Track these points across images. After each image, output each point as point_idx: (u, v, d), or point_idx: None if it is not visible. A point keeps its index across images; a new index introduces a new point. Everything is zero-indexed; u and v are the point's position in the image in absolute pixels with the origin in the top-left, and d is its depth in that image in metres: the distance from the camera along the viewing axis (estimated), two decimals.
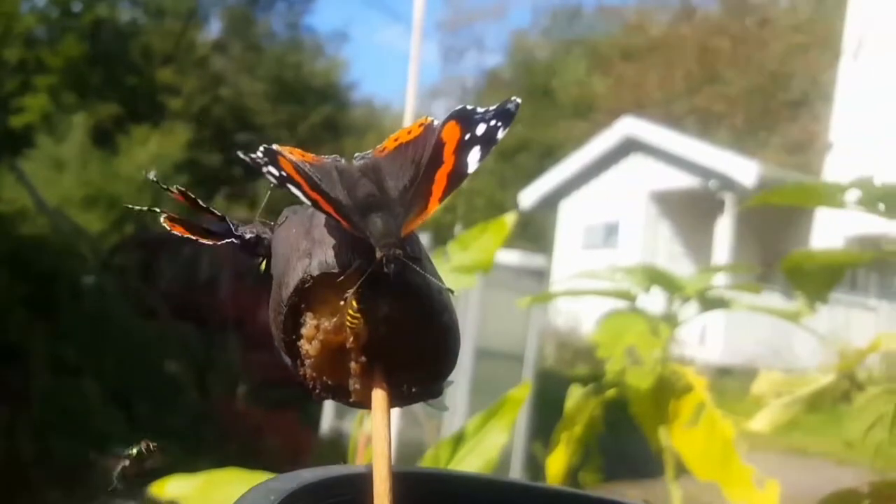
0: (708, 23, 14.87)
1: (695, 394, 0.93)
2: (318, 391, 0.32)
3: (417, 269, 0.31)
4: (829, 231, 7.09)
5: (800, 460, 4.04)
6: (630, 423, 0.98)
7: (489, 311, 3.12)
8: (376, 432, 0.31)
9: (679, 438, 0.93)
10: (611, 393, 0.97)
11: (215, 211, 0.36)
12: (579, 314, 6.88)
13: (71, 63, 9.35)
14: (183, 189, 0.36)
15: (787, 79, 13.22)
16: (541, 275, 3.58)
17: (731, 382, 4.82)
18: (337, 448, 3.24)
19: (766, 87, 13.41)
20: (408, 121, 0.74)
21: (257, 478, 0.69)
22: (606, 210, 9.52)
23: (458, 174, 0.32)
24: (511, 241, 0.82)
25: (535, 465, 2.83)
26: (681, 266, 6.62)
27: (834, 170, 8.01)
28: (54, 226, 5.52)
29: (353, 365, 0.32)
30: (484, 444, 0.69)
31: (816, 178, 8.20)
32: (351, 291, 0.30)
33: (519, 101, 0.33)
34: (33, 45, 9.26)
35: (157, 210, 0.36)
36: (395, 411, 0.33)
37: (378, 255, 0.30)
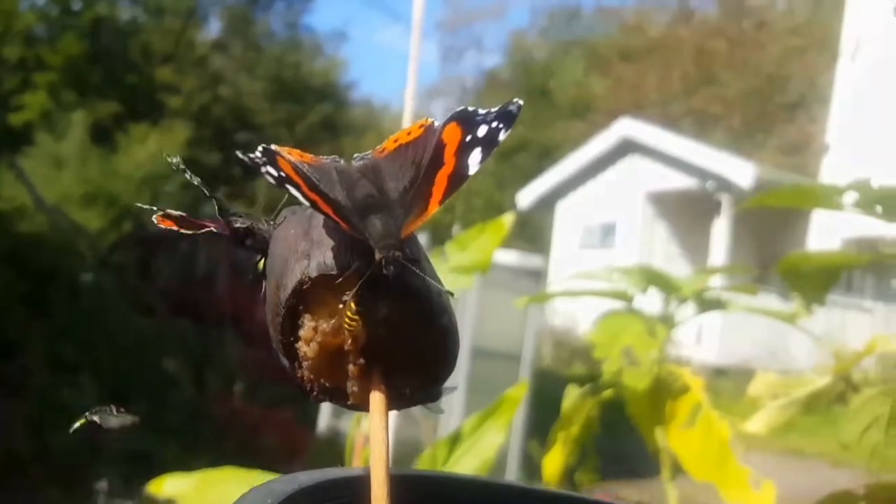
0: (706, 25, 14.88)
1: (691, 394, 0.93)
2: (315, 393, 0.32)
3: (417, 271, 0.30)
4: (826, 233, 7.09)
5: (796, 461, 4.04)
6: (627, 424, 0.98)
7: (486, 311, 3.12)
8: (374, 435, 0.30)
9: (676, 439, 0.93)
10: (607, 393, 0.97)
11: (218, 200, 0.36)
12: (576, 314, 6.88)
13: (70, 61, 9.34)
14: (190, 175, 0.37)
15: (784, 81, 13.23)
16: (538, 275, 3.58)
17: (728, 383, 4.83)
18: (334, 447, 3.24)
19: (763, 88, 13.42)
20: (407, 120, 0.74)
21: (254, 476, 0.69)
22: (604, 210, 9.52)
23: (458, 176, 0.32)
24: (508, 241, 0.82)
25: (531, 465, 2.83)
26: (677, 267, 6.62)
27: (830, 172, 8.01)
28: (53, 223, 5.52)
29: (351, 367, 0.31)
30: (481, 444, 0.70)
31: (813, 179, 8.21)
32: (350, 293, 0.30)
33: (521, 102, 0.33)
34: (33, 43, 9.25)
35: (158, 209, 0.36)
36: (393, 411, 0.33)
37: (377, 256, 0.30)
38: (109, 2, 10.17)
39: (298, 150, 0.34)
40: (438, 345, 0.32)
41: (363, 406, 0.31)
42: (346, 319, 0.30)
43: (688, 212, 8.89)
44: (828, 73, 9.28)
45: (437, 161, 0.33)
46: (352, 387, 0.32)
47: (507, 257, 3.41)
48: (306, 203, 0.30)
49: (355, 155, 0.36)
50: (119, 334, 4.04)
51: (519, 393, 0.73)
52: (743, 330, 7.19)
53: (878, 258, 0.86)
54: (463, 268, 0.78)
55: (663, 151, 8.73)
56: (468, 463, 0.68)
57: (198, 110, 11.28)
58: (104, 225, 7.57)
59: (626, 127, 9.33)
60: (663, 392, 0.95)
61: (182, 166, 0.37)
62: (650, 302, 1.05)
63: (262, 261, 0.35)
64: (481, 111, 0.34)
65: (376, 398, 0.31)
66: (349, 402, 0.32)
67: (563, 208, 10.13)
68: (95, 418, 0.44)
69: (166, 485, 0.76)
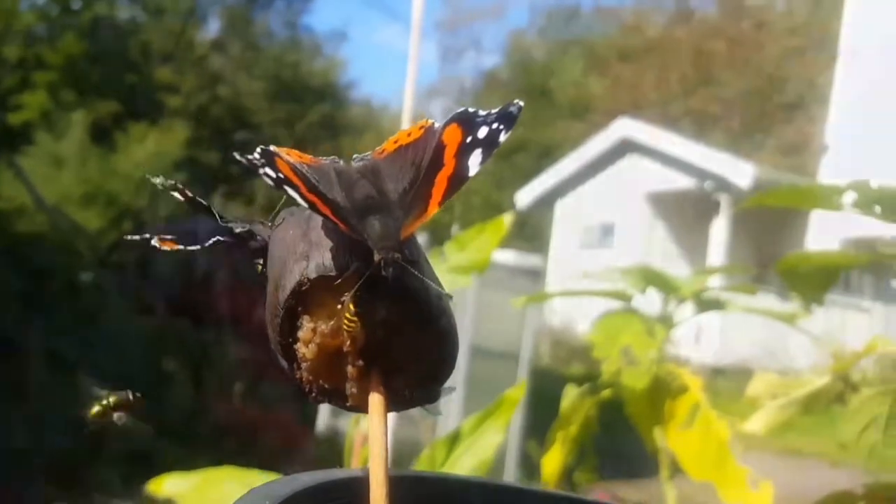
0: (705, 25, 14.88)
1: (690, 394, 0.93)
2: (314, 395, 0.32)
3: (415, 272, 0.30)
4: (824, 233, 7.09)
5: (794, 461, 4.05)
6: (625, 423, 0.99)
7: (485, 310, 3.12)
8: (373, 437, 0.30)
9: (674, 439, 0.93)
10: (606, 393, 0.97)
11: (213, 209, 0.36)
12: (575, 313, 6.88)
13: (70, 60, 9.34)
14: (182, 186, 0.36)
15: (783, 81, 13.24)
16: (537, 274, 3.59)
17: (726, 383, 4.83)
18: (333, 446, 3.23)
19: (762, 89, 13.42)
20: (406, 120, 0.75)
21: (253, 476, 0.69)
22: (602, 210, 9.52)
23: (458, 177, 0.32)
24: (507, 241, 0.82)
25: (529, 464, 2.83)
26: (676, 267, 6.62)
27: (829, 172, 8.02)
28: (52, 223, 5.52)
29: (350, 369, 0.31)
30: (479, 444, 0.70)
31: (812, 180, 8.21)
32: (348, 295, 0.30)
33: (521, 104, 0.33)
34: (33, 43, 9.25)
35: (153, 234, 0.36)
36: (392, 412, 0.33)
37: (376, 258, 0.29)
38: (109, 1, 10.16)
39: (297, 151, 0.34)
40: (437, 346, 0.32)
41: (362, 407, 0.31)
42: (345, 321, 0.30)
43: (686, 212, 8.90)
44: (827, 74, 9.29)
45: (437, 162, 0.33)
46: (351, 388, 0.32)
47: (506, 257, 3.42)
48: (304, 204, 0.30)
49: (355, 156, 0.35)
50: (118, 334, 4.04)
51: (518, 393, 0.73)
52: (742, 330, 7.20)
53: (877, 258, 0.86)
54: (462, 268, 0.78)
55: (662, 151, 8.74)
56: (467, 463, 0.68)
57: (197, 110, 11.28)
58: (104, 224, 7.56)
59: (624, 127, 9.34)
60: (662, 392, 0.95)
61: (171, 182, 0.37)
62: (649, 302, 1.05)
63: (262, 262, 0.35)
64: (482, 112, 0.33)
65: (375, 400, 0.31)
66: (348, 404, 0.32)
67: (561, 208, 10.14)
68: (112, 399, 0.44)
69: (166, 484, 0.76)
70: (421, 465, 0.69)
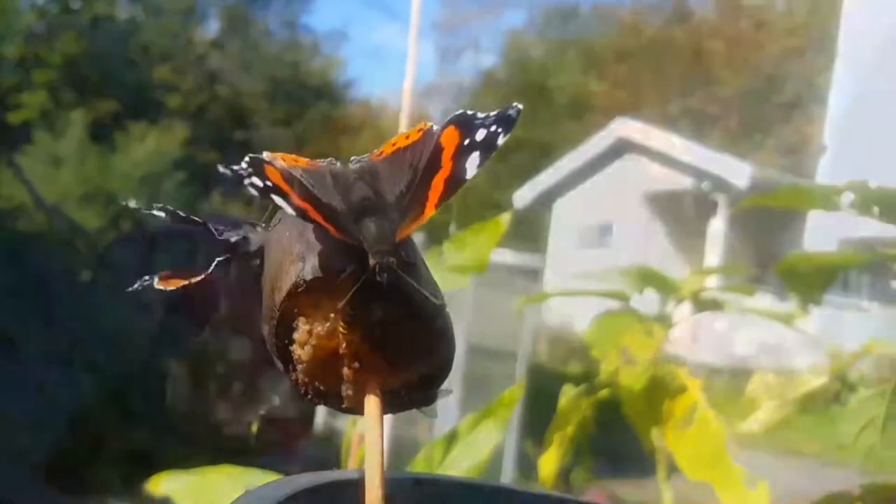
0: (703, 25, 14.88)
1: (688, 394, 0.93)
2: (310, 396, 0.32)
3: (411, 274, 0.30)
4: (823, 233, 7.09)
5: (792, 461, 4.05)
6: (623, 423, 0.99)
7: (483, 310, 3.12)
8: (369, 439, 0.30)
9: (672, 439, 0.93)
10: (604, 393, 0.97)
11: (195, 219, 0.36)
12: (573, 311, 6.88)
13: (70, 60, 9.34)
14: (161, 206, 0.36)
15: (782, 81, 13.23)
16: (535, 274, 3.59)
17: (724, 383, 4.83)
18: (331, 445, 3.23)
19: (760, 89, 13.41)
20: (404, 120, 0.75)
21: (251, 475, 0.69)
22: (600, 210, 9.52)
23: (456, 180, 0.32)
24: (505, 241, 0.82)
25: (527, 464, 2.83)
26: (674, 267, 6.63)
27: (827, 172, 8.02)
28: (52, 222, 5.52)
29: (345, 371, 0.31)
30: (477, 444, 0.69)
31: (810, 180, 8.21)
32: (345, 297, 0.30)
33: (520, 107, 0.33)
34: (32, 42, 9.25)
35: (156, 277, 0.36)
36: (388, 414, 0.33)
37: (371, 262, 0.29)
38: (108, 1, 10.17)
39: (293, 156, 0.34)
40: (433, 348, 0.32)
41: (358, 409, 0.31)
42: (341, 323, 0.30)
43: (684, 212, 8.90)
44: (825, 74, 9.29)
45: (434, 164, 0.33)
46: (346, 390, 0.32)
47: (505, 256, 3.42)
48: (293, 212, 0.30)
49: (352, 158, 0.35)
50: (117, 333, 4.04)
51: (516, 394, 0.73)
52: (740, 330, 7.20)
53: (875, 258, 0.86)
54: (460, 267, 0.78)
55: (660, 151, 8.74)
56: (464, 463, 0.68)
57: (196, 109, 11.28)
58: (103, 223, 7.56)
59: (623, 127, 9.34)
60: (660, 392, 0.95)
61: (156, 206, 0.37)
62: (647, 302, 1.05)
63: (259, 264, 0.34)
64: (480, 115, 0.33)
65: (371, 402, 0.31)
66: (344, 406, 0.32)
67: (560, 208, 10.14)
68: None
69: (164, 483, 0.76)
70: (418, 465, 0.69)
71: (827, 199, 0.75)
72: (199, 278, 0.35)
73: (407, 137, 0.34)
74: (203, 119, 11.30)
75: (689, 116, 13.16)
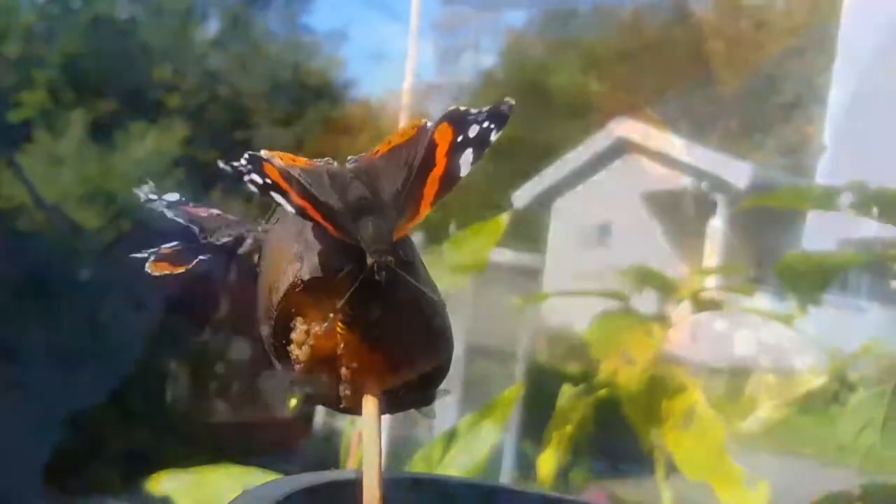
0: (703, 25, 14.88)
1: (687, 394, 0.93)
2: (307, 396, 0.32)
3: (409, 273, 0.30)
4: (822, 233, 7.09)
5: (792, 461, 4.05)
6: (622, 423, 0.98)
7: (482, 309, 3.12)
8: (367, 440, 0.30)
9: (671, 439, 0.93)
10: (603, 392, 0.97)
11: (179, 220, 0.36)
12: (572, 311, 6.86)
13: (69, 59, 9.33)
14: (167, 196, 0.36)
15: (782, 81, 13.23)
16: (534, 273, 3.59)
17: (723, 383, 4.83)
18: (330, 444, 3.23)
19: (760, 89, 13.41)
20: (404, 120, 0.75)
21: (251, 474, 0.69)
22: (600, 210, 9.51)
23: (450, 177, 0.32)
24: (504, 240, 0.82)
25: (525, 463, 2.83)
26: (673, 267, 6.62)
27: (827, 172, 8.02)
28: (52, 221, 5.51)
29: (343, 371, 0.31)
30: (476, 444, 0.69)
31: (809, 180, 8.20)
32: (343, 297, 0.29)
33: (512, 102, 0.32)
34: (32, 41, 9.24)
35: (149, 254, 0.36)
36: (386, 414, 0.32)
37: (369, 261, 0.29)
38: (108, 1, 10.17)
39: (291, 154, 0.33)
40: (432, 348, 0.32)
41: (356, 410, 0.31)
42: (339, 323, 0.30)
43: (684, 212, 8.89)
44: (825, 74, 9.28)
45: (428, 162, 0.32)
46: (344, 390, 0.31)
47: (504, 256, 3.41)
48: (293, 210, 0.30)
49: (349, 157, 0.35)
50: (117, 332, 4.04)
51: (515, 394, 0.73)
52: (739, 330, 7.20)
53: (875, 258, 0.86)
54: (459, 267, 0.78)
55: (660, 151, 8.73)
56: (463, 462, 0.68)
57: (196, 109, 11.28)
58: (103, 223, 7.55)
59: (622, 127, 9.32)
60: (659, 391, 0.95)
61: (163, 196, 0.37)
62: (646, 301, 1.05)
63: (257, 263, 0.34)
64: (472, 111, 0.33)
65: (369, 402, 0.31)
66: (341, 406, 0.32)
67: (559, 207, 10.13)
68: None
69: (164, 482, 0.76)
70: (417, 464, 0.69)
71: (827, 199, 0.75)
72: (180, 271, 0.35)
73: (402, 135, 0.34)
74: (203, 119, 11.27)
75: (689, 116, 13.17)
